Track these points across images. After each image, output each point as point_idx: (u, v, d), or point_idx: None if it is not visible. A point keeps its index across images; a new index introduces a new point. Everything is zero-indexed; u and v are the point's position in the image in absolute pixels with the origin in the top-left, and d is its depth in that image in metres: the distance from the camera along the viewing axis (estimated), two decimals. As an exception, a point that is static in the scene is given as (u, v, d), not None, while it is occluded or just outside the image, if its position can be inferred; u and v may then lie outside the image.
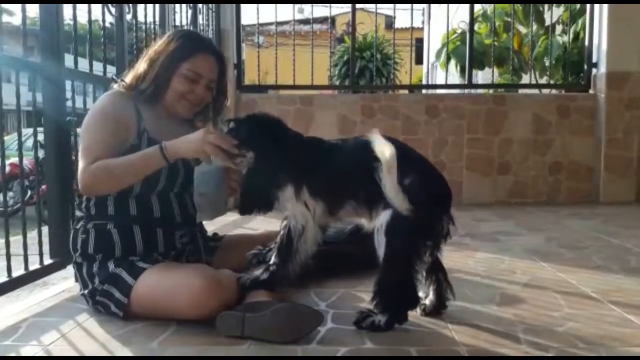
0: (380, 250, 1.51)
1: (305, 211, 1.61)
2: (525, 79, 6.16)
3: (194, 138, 1.59)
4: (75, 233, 1.74)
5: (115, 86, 1.82)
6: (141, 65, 1.79)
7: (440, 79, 9.48)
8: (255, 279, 1.64)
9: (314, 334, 1.52)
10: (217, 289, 1.56)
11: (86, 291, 1.71)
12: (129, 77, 1.81)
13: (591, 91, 4.78)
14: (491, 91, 5.51)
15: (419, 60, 12.85)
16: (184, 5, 3.75)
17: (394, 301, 1.53)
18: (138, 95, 1.76)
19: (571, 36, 5.30)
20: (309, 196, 1.60)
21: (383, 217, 1.50)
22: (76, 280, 1.81)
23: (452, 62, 6.35)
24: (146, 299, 1.60)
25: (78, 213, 1.80)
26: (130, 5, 2.76)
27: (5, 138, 2.18)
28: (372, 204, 1.57)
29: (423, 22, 15.60)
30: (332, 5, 5.49)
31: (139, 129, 1.73)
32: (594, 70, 4.76)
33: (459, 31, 6.53)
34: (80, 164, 1.63)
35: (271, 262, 1.66)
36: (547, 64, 5.93)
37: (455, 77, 6.34)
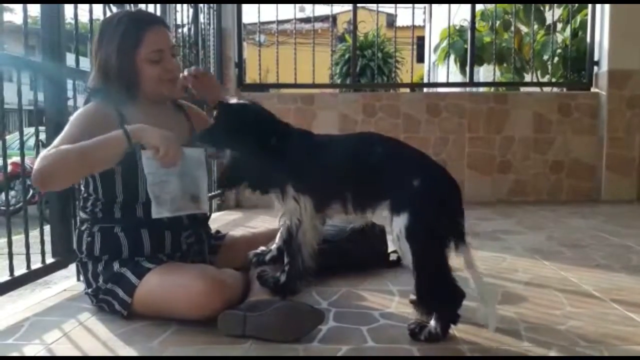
0: (407, 258, 1.46)
1: (297, 206, 1.60)
2: (527, 77, 6.16)
3: (165, 135, 1.55)
4: (80, 234, 1.73)
5: (92, 100, 1.73)
6: (97, 68, 1.71)
7: (441, 78, 9.47)
8: (277, 282, 1.64)
9: (315, 333, 1.52)
10: (220, 290, 1.55)
11: (90, 290, 1.71)
12: (90, 83, 1.74)
13: (593, 89, 4.77)
14: (492, 90, 5.51)
15: (420, 59, 12.83)
16: (185, 4, 3.75)
17: (440, 305, 1.49)
18: (117, 98, 1.70)
19: (570, 33, 5.29)
20: (296, 193, 1.59)
21: (400, 222, 1.45)
22: (78, 279, 1.81)
23: (451, 56, 6.35)
24: (150, 299, 1.60)
25: (82, 215, 1.76)
26: (132, 4, 2.76)
27: (7, 137, 2.18)
28: (362, 203, 1.55)
29: (424, 21, 15.58)
30: (334, 3, 5.49)
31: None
32: (595, 69, 4.76)
33: (457, 27, 6.53)
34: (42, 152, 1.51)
35: (285, 261, 1.66)
36: (546, 62, 5.92)
37: (455, 73, 6.34)
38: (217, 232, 2.07)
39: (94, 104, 1.71)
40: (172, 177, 1.65)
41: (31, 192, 5.59)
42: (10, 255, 1.87)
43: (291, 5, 5.24)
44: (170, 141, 1.55)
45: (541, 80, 5.95)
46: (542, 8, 6.00)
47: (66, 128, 1.62)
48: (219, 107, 1.65)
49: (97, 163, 1.55)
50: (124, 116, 1.70)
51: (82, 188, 1.77)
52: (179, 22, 3.64)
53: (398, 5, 5.24)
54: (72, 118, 1.66)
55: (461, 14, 6.48)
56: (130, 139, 1.52)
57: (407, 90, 5.82)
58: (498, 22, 5.97)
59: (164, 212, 1.65)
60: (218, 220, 3.72)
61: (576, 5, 5.58)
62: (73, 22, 2.24)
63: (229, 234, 2.06)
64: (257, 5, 4.84)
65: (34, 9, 2.20)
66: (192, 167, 1.72)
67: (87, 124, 1.62)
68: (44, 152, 1.50)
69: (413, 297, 1.72)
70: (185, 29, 3.78)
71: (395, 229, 1.47)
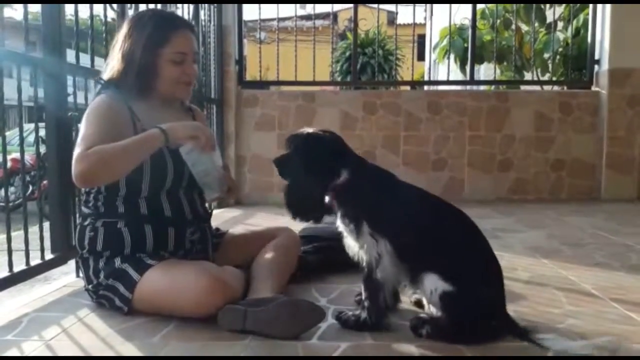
0: (437, 312, 1.48)
1: (374, 241, 1.52)
2: (527, 76, 6.16)
3: (193, 124, 1.68)
4: (83, 230, 1.72)
5: (102, 92, 1.73)
6: (116, 61, 1.73)
7: (442, 76, 9.47)
8: (357, 320, 1.56)
9: (314, 330, 1.52)
10: (222, 289, 1.55)
11: (90, 286, 1.70)
12: (106, 75, 1.75)
13: (593, 88, 4.77)
14: (493, 88, 5.50)
15: (421, 57, 12.83)
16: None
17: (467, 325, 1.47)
18: (127, 93, 1.71)
19: (572, 32, 5.28)
20: (372, 231, 1.52)
21: (437, 284, 1.44)
22: (78, 275, 1.81)
23: (451, 55, 6.34)
24: (151, 295, 1.59)
25: (84, 210, 1.76)
26: (132, 4, 2.75)
27: (7, 133, 2.18)
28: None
29: (425, 19, 15.56)
30: (334, 3, 5.48)
31: (136, 130, 1.68)
32: (596, 67, 4.75)
33: (457, 25, 6.53)
34: (76, 152, 1.53)
35: (363, 297, 1.59)
36: (547, 60, 5.91)
37: (455, 71, 6.34)
38: (217, 229, 2.06)
39: (105, 98, 1.70)
40: (209, 162, 1.70)
41: (30, 188, 5.60)
42: (10, 251, 1.87)
43: (292, 3, 5.24)
44: (202, 128, 1.65)
45: (542, 78, 5.95)
46: (542, 7, 5.99)
47: (89, 126, 1.61)
48: (291, 137, 1.63)
49: (138, 161, 1.59)
50: (134, 113, 1.71)
51: None
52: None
53: (399, 3, 5.24)
54: (89, 114, 1.65)
55: (462, 13, 6.47)
56: (168, 136, 1.57)
57: (408, 88, 5.81)
58: (499, 21, 5.96)
59: (215, 194, 1.75)
60: (218, 218, 3.72)
61: (577, 4, 5.57)
62: (74, 18, 2.24)
63: (228, 232, 2.05)
64: (257, 3, 4.84)
65: (35, 5, 2.20)
66: (207, 155, 1.74)
67: (107, 120, 1.63)
68: (80, 153, 1.51)
69: (416, 296, 1.72)
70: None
71: (430, 287, 1.46)
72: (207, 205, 1.94)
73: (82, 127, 1.63)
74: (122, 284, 1.63)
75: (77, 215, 1.83)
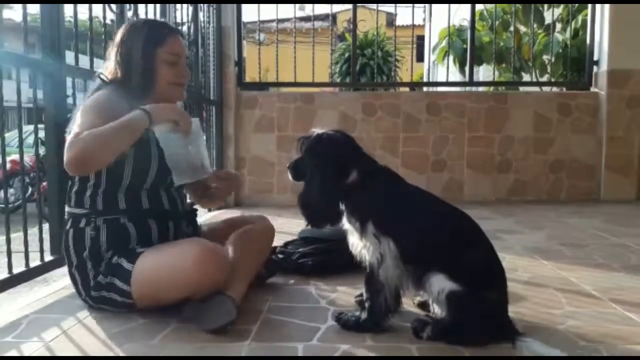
0: (442, 312, 1.48)
1: (377, 242, 1.52)
2: (526, 77, 6.16)
3: (174, 107, 1.72)
4: (80, 232, 1.67)
5: (103, 89, 1.74)
6: (114, 65, 1.75)
7: (441, 77, 9.47)
8: (357, 320, 1.57)
9: (314, 332, 1.53)
10: (213, 253, 1.58)
11: (90, 290, 1.68)
12: (108, 75, 1.77)
13: (592, 89, 4.77)
14: (492, 89, 5.50)
15: (420, 58, 12.83)
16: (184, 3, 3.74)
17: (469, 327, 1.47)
18: (130, 94, 1.71)
19: (571, 33, 5.28)
20: (376, 231, 1.51)
21: (445, 284, 1.44)
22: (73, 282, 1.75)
23: (451, 56, 6.35)
24: (147, 277, 1.59)
25: (76, 211, 1.70)
26: (131, 4, 2.75)
27: (6, 135, 2.18)
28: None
29: (424, 20, 15.58)
30: (334, 3, 5.48)
31: None
32: (595, 68, 4.76)
33: (456, 27, 6.54)
34: (68, 138, 1.52)
35: (364, 297, 1.59)
36: (546, 61, 5.92)
37: (454, 72, 6.35)
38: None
39: (107, 93, 1.70)
40: (185, 147, 1.71)
41: (30, 189, 5.59)
42: (9, 253, 1.87)
43: (291, 4, 5.24)
44: (182, 112, 1.69)
45: (540, 79, 5.96)
46: (541, 8, 6.00)
47: (85, 116, 1.59)
48: (302, 139, 1.62)
49: (126, 142, 1.58)
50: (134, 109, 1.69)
51: (76, 182, 1.72)
52: (178, 20, 3.63)
53: (398, 4, 5.24)
54: (87, 107, 1.64)
55: (461, 14, 6.48)
56: (151, 117, 1.58)
57: (407, 89, 5.82)
58: (497, 22, 5.97)
59: (185, 179, 1.75)
60: (217, 219, 3.71)
61: (576, 5, 5.58)
62: (73, 20, 2.24)
63: (209, 225, 2.06)
64: (257, 3, 4.84)
65: (34, 7, 2.20)
66: (196, 136, 1.76)
67: (105, 114, 1.60)
68: (71, 139, 1.49)
69: (419, 298, 1.72)
70: (185, 27, 3.77)
71: (437, 287, 1.46)
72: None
73: (78, 118, 1.60)
74: (118, 278, 1.62)
75: (68, 218, 1.75)
